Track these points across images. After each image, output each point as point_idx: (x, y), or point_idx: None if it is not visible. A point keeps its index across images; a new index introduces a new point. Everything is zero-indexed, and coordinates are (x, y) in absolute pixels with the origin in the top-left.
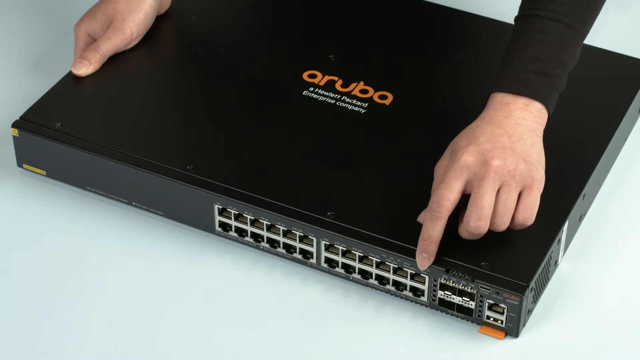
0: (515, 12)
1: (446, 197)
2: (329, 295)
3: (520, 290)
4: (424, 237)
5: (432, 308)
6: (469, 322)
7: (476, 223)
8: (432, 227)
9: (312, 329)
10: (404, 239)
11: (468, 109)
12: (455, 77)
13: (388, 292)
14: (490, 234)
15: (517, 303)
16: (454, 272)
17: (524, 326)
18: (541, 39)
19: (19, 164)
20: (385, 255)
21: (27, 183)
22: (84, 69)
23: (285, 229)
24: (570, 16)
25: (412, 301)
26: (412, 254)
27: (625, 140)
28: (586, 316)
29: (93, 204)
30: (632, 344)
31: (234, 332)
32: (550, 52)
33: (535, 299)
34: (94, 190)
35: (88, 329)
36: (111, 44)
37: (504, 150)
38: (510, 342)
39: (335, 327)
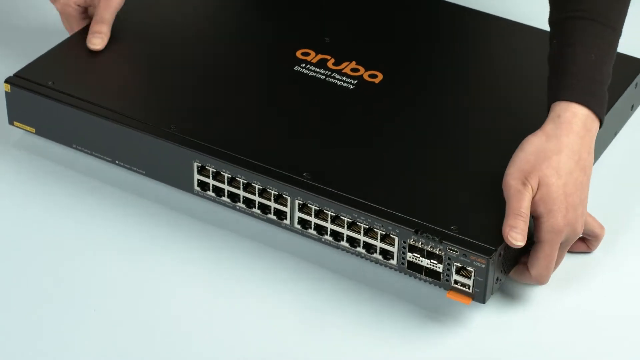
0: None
1: (551, 271)
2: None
3: (487, 253)
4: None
5: (402, 272)
6: (437, 286)
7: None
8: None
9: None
10: (378, 201)
11: (454, 92)
12: (446, 63)
13: (359, 254)
14: (462, 200)
15: (483, 266)
16: (423, 234)
17: (492, 293)
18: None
19: (10, 122)
20: (356, 215)
21: (26, 183)
22: (100, 42)
23: (261, 187)
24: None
25: (382, 264)
26: (384, 215)
27: (615, 134)
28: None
29: (93, 204)
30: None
31: (234, 328)
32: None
33: (505, 270)
34: (79, 148)
35: (88, 329)
36: (112, 9)
37: (583, 211)
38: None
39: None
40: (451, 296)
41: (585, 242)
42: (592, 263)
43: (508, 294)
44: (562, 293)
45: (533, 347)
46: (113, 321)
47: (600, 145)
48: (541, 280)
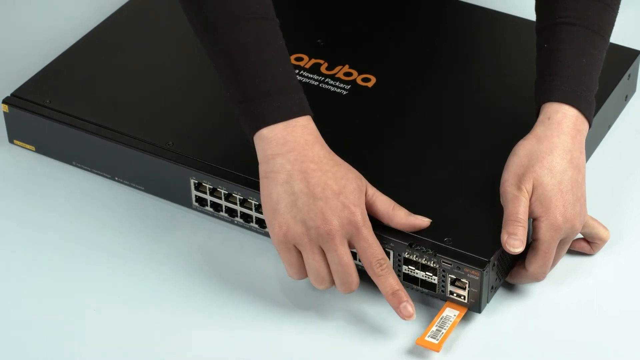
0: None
1: (548, 269)
2: None
3: (481, 265)
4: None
5: None
6: (433, 297)
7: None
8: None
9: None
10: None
11: (447, 96)
12: (439, 64)
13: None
14: (455, 210)
15: (477, 278)
16: (417, 247)
17: (487, 302)
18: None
19: (10, 140)
20: None
21: (25, 183)
22: None
23: (257, 203)
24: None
25: None
26: (378, 228)
27: (609, 127)
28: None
29: (92, 202)
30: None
31: (233, 332)
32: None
33: (500, 277)
34: (79, 165)
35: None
36: None
37: (581, 209)
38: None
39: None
40: (449, 306)
41: (590, 244)
42: (589, 260)
43: (506, 291)
44: (559, 291)
45: (530, 344)
46: (113, 322)
47: (594, 139)
48: (538, 278)
